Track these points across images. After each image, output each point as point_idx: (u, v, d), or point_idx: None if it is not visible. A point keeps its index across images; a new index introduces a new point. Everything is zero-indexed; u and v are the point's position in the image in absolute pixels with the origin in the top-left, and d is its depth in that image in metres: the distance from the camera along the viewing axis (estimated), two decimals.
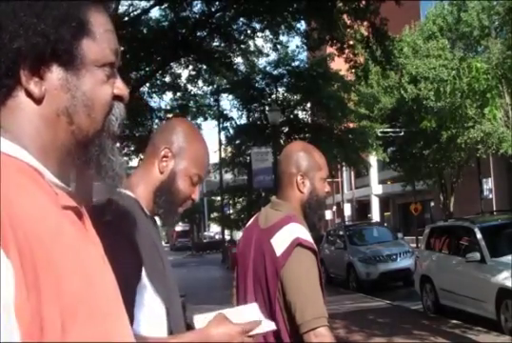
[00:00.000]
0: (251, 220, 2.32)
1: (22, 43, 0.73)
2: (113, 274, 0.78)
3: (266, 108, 23.01)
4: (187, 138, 1.55)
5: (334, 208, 48.20)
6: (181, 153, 1.54)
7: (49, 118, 0.77)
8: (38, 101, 0.76)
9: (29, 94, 0.76)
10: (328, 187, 2.29)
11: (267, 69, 25.19)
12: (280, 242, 2.05)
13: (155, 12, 61.25)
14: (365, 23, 13.74)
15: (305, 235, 2.06)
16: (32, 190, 0.70)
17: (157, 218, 1.55)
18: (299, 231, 2.06)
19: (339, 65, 20.13)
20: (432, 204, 36.23)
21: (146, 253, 1.34)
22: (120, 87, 0.85)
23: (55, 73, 0.77)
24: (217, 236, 45.33)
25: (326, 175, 2.27)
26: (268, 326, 1.57)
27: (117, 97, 0.84)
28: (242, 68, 21.59)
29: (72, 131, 0.78)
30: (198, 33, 14.26)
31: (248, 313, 1.58)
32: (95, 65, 0.80)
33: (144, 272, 1.33)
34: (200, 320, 1.44)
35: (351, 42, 14.35)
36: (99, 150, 0.81)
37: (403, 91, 25.52)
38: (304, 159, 2.21)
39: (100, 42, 0.81)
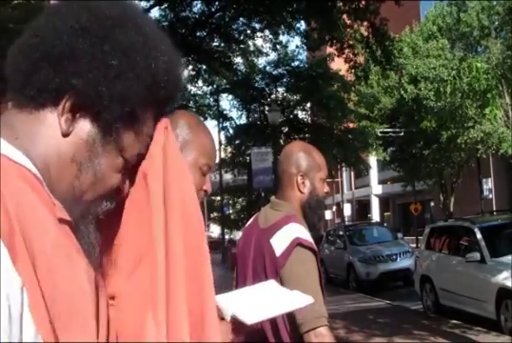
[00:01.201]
0: (251, 220, 2.32)
1: (81, 83, 0.78)
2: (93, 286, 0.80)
3: (266, 108, 23.01)
4: (190, 130, 1.51)
5: (334, 208, 48.22)
6: (187, 146, 1.48)
7: (64, 157, 0.80)
8: (65, 134, 0.80)
9: (61, 126, 0.80)
10: (327, 187, 2.29)
11: (267, 69, 25.20)
12: (279, 242, 2.05)
13: (155, 12, 61.26)
14: (365, 23, 13.75)
15: (305, 235, 2.06)
16: (34, 198, 0.72)
17: None
18: (298, 230, 2.06)
19: (339, 65, 20.12)
20: (432, 204, 36.23)
21: None
22: (123, 190, 0.88)
23: (89, 127, 0.81)
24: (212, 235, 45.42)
25: (326, 176, 2.28)
26: (306, 300, 1.58)
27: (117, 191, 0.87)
28: (242, 68, 21.60)
29: (73, 186, 0.81)
30: (198, 33, 14.26)
31: (275, 288, 1.59)
32: (120, 151, 0.84)
33: None
34: (223, 300, 1.45)
35: (351, 42, 14.35)
36: (81, 216, 0.83)
37: (402, 92, 25.53)
38: (304, 159, 2.21)
39: (138, 140, 0.86)
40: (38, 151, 0.78)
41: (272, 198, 2.29)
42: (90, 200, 0.83)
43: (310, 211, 2.20)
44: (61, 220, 0.75)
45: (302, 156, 2.22)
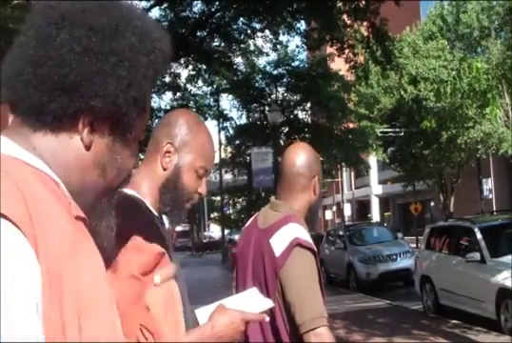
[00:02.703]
0: (250, 220, 2.32)
1: (99, 103, 0.80)
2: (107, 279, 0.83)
3: (266, 108, 23.01)
4: (189, 130, 1.48)
5: (334, 208, 48.24)
6: (184, 147, 1.46)
7: (86, 165, 0.84)
8: (87, 148, 0.83)
9: (82, 139, 0.82)
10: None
11: (267, 69, 25.22)
12: (279, 242, 2.05)
13: (155, 12, 61.28)
14: (365, 23, 13.74)
15: (305, 235, 2.06)
16: (51, 197, 0.75)
17: (164, 217, 1.49)
18: (298, 231, 2.06)
19: (339, 65, 20.12)
20: (432, 204, 36.23)
21: None
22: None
23: (108, 132, 0.84)
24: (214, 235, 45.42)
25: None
26: (267, 304, 1.57)
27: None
28: (242, 68, 21.59)
29: (100, 183, 0.86)
30: (198, 33, 14.25)
31: (250, 297, 1.58)
32: (136, 141, 0.91)
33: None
34: (202, 313, 1.44)
35: (351, 42, 14.34)
36: (108, 205, 0.90)
37: (402, 92, 25.53)
38: (317, 163, 2.25)
39: (143, 123, 0.92)
40: (57, 162, 0.80)
41: (272, 199, 2.28)
42: (114, 188, 0.90)
43: (313, 212, 2.24)
44: (77, 217, 0.78)
45: (315, 160, 2.25)
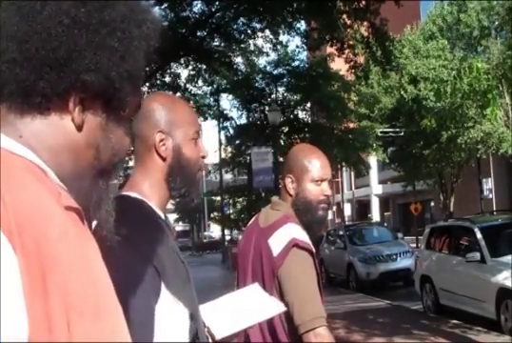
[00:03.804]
0: (252, 219, 2.33)
1: (92, 77, 0.76)
2: (108, 274, 0.78)
3: (266, 108, 22.98)
4: (168, 110, 1.44)
5: (334, 208, 48.20)
6: (172, 126, 1.43)
7: (78, 147, 0.79)
8: (79, 128, 0.78)
9: (73, 120, 0.78)
10: (328, 190, 2.21)
11: (267, 68, 25.19)
12: (277, 242, 2.05)
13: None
14: (365, 23, 13.74)
15: (302, 236, 2.05)
16: (38, 188, 0.70)
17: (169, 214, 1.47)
18: (296, 231, 2.06)
19: (339, 65, 20.11)
20: (432, 204, 36.23)
21: (164, 260, 1.26)
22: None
23: (101, 111, 0.80)
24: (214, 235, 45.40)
25: (321, 177, 2.19)
26: (279, 308, 1.57)
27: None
28: (242, 68, 21.57)
29: (94, 165, 0.81)
30: (198, 33, 14.25)
31: (253, 294, 1.58)
32: (129, 117, 0.87)
33: (163, 283, 1.25)
34: (207, 309, 1.44)
35: (351, 42, 14.34)
36: (103, 187, 0.84)
37: (402, 92, 25.52)
38: (293, 161, 2.21)
39: (136, 100, 0.87)
40: (46, 147, 0.76)
41: (273, 198, 2.30)
42: (111, 170, 0.85)
43: (300, 214, 2.17)
44: (67, 208, 0.73)
45: (292, 158, 2.22)
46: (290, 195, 2.19)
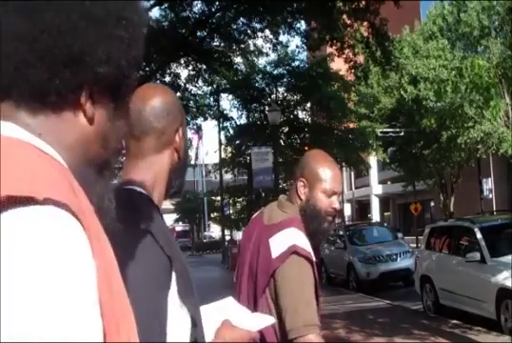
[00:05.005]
0: (256, 214, 2.31)
1: (105, 69, 0.76)
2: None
3: (266, 108, 22.98)
4: (164, 102, 1.38)
5: None
6: (177, 113, 1.39)
7: (90, 139, 0.80)
8: (90, 121, 0.79)
9: (84, 114, 0.78)
10: (337, 203, 2.20)
11: (267, 69, 25.20)
12: (277, 245, 2.04)
13: (155, 12, 61.24)
14: (365, 23, 13.75)
15: (303, 243, 2.03)
16: (73, 186, 0.71)
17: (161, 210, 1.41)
18: (297, 237, 2.03)
19: (339, 65, 20.11)
20: (432, 204, 36.23)
21: (176, 255, 1.25)
22: None
23: (109, 99, 0.81)
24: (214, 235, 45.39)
25: (332, 190, 2.17)
26: (269, 320, 1.57)
27: None
28: (242, 68, 21.57)
29: (101, 154, 0.82)
30: (198, 33, 14.26)
31: (230, 308, 1.56)
32: (128, 103, 0.88)
33: (174, 278, 1.24)
34: (206, 310, 1.43)
35: (351, 42, 14.34)
36: (109, 174, 0.86)
37: (402, 92, 25.52)
38: (309, 166, 2.18)
39: (135, 84, 0.89)
40: (62, 143, 0.76)
41: (281, 197, 2.28)
42: (112, 158, 0.86)
43: (307, 220, 2.15)
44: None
45: (309, 163, 2.20)
46: (301, 199, 2.17)
